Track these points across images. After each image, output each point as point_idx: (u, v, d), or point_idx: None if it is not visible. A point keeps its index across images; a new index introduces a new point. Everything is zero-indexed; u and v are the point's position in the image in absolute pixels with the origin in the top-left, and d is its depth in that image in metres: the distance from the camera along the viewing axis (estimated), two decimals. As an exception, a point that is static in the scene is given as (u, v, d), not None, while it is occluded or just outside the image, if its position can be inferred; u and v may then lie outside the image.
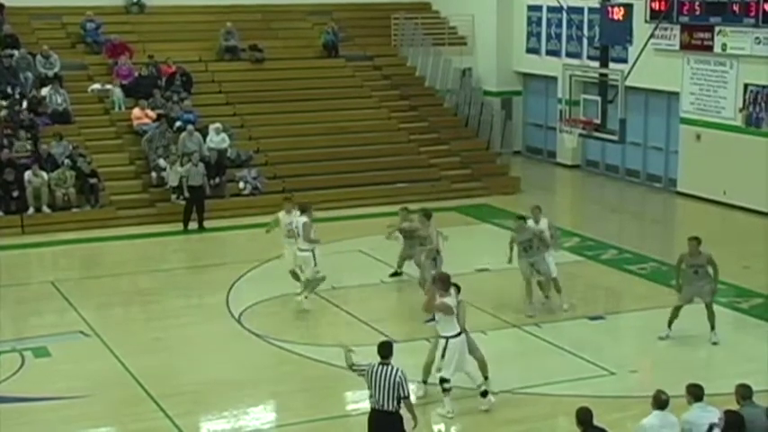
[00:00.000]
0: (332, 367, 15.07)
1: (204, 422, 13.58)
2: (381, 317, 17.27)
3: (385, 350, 11.19)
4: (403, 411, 11.08)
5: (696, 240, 15.90)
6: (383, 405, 10.98)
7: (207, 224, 23.52)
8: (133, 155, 25.90)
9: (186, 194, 23.48)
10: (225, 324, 17.20)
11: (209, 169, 24.94)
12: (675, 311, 16.09)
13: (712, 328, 15.98)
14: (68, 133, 25.44)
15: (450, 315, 13.24)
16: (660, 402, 10.27)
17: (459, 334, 13.32)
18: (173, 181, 24.22)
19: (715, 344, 15.89)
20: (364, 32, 32.49)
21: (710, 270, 15.88)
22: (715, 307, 17.23)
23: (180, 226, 23.23)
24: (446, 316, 13.22)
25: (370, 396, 11.08)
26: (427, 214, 17.78)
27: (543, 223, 17.30)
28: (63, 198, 23.65)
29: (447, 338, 13.27)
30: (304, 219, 17.37)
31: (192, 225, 23.31)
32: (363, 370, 11.23)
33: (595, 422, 10.14)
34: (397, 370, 11.03)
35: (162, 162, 24.69)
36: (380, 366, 11.05)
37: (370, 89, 30.15)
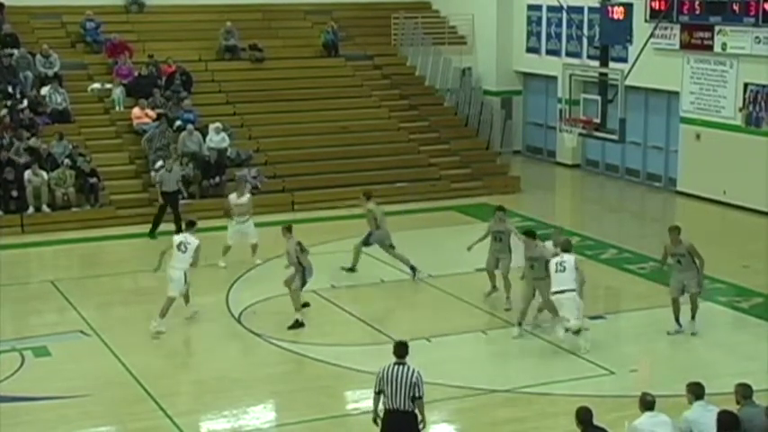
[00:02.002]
0: (332, 367, 15.10)
1: (204, 421, 13.58)
2: (381, 316, 17.27)
3: (401, 350, 11.16)
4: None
5: (676, 230, 16.18)
6: (399, 405, 10.92)
7: (207, 223, 23.41)
8: (133, 154, 25.91)
9: (160, 200, 22.82)
10: (225, 323, 17.20)
11: (209, 169, 24.98)
12: (674, 305, 16.28)
13: (692, 318, 16.24)
14: (68, 133, 25.42)
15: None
16: (647, 404, 10.37)
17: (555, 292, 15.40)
18: None
19: (693, 334, 16.13)
20: (364, 32, 32.49)
21: (695, 261, 16.07)
22: (715, 306, 17.39)
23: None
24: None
25: (385, 396, 11.01)
26: (288, 228, 17.47)
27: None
28: (63, 197, 23.65)
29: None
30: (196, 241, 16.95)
31: (163, 229, 22.92)
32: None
33: (595, 422, 10.15)
34: (414, 370, 10.99)
35: (158, 163, 24.65)
36: (396, 366, 10.99)
37: (370, 89, 30.14)
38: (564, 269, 15.24)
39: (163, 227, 22.83)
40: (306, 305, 17.24)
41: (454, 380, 13.94)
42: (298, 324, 16.73)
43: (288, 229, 17.21)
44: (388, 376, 10.94)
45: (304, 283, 16.99)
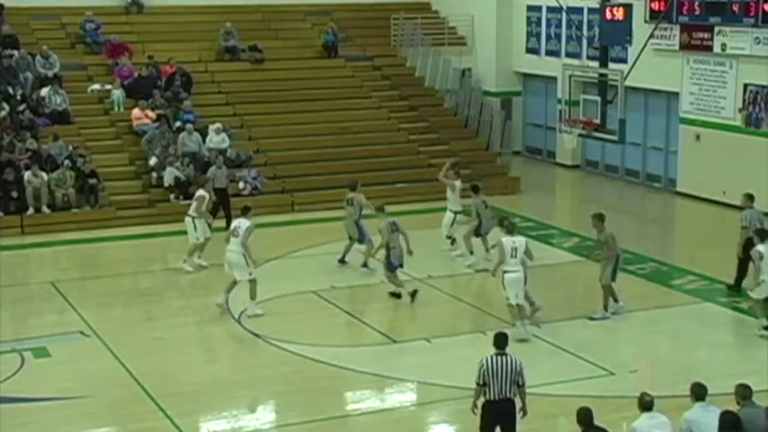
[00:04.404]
0: (331, 367, 15.09)
1: (204, 422, 13.58)
2: (381, 317, 17.27)
3: (501, 341, 11.42)
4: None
5: (596, 217, 16.90)
6: (505, 393, 11.17)
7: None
8: (133, 155, 25.89)
9: (213, 197, 22.40)
10: (225, 324, 17.20)
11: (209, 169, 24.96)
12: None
13: (604, 307, 16.93)
14: (68, 134, 25.44)
15: None
16: (645, 404, 10.43)
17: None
18: (167, 181, 24.33)
19: (592, 318, 16.88)
20: (364, 33, 32.49)
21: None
22: (715, 306, 17.39)
23: (180, 226, 23.09)
24: None
25: (488, 388, 11.16)
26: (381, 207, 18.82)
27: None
28: (63, 198, 23.64)
29: None
30: (247, 222, 17.55)
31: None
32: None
33: (595, 422, 10.16)
34: (516, 358, 11.29)
35: (153, 160, 24.63)
36: (498, 357, 11.26)
37: (369, 89, 30.14)
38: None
39: (167, 228, 22.89)
40: (414, 293, 17.76)
41: (454, 381, 13.93)
42: (394, 295, 17.85)
43: (380, 208, 18.50)
44: (491, 367, 11.17)
45: (391, 265, 17.75)
